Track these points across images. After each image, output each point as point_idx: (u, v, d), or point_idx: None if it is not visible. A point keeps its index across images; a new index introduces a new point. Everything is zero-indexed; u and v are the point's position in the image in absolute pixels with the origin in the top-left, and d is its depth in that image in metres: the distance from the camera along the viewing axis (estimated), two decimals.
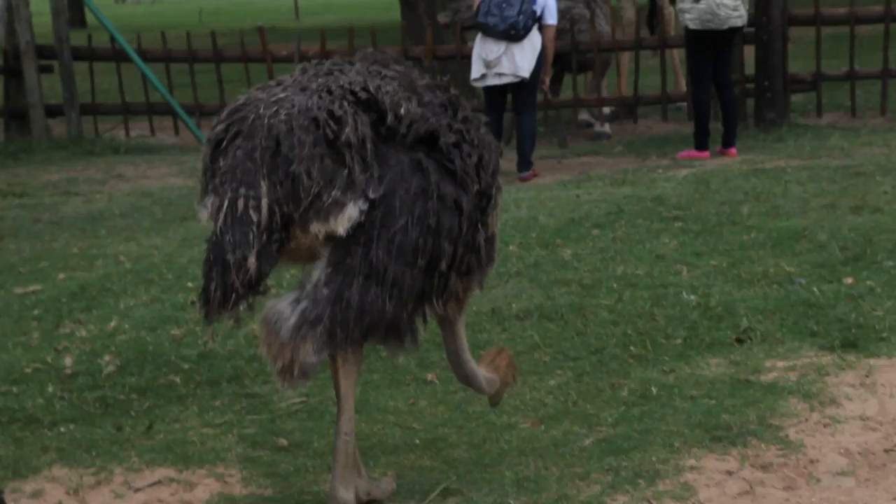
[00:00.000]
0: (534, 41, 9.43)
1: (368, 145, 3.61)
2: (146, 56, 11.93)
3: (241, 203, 3.52)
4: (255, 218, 3.51)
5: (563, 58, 11.21)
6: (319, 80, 3.73)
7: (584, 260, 6.34)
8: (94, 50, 12.12)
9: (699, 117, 9.83)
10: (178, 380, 5.08)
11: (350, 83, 3.69)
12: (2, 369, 5.21)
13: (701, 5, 9.44)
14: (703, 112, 9.78)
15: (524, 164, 9.65)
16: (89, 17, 27.53)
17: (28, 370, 5.17)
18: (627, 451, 4.21)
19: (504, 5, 9.35)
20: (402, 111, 3.69)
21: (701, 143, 9.82)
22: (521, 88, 9.55)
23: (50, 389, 4.99)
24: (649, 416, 4.50)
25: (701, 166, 9.17)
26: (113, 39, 11.89)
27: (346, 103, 3.63)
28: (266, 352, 3.66)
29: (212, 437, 4.57)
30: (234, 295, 3.51)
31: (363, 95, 3.67)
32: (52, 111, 11.98)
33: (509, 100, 9.82)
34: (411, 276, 3.69)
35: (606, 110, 11.86)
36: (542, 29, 9.51)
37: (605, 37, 11.39)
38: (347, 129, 3.58)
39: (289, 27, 23.30)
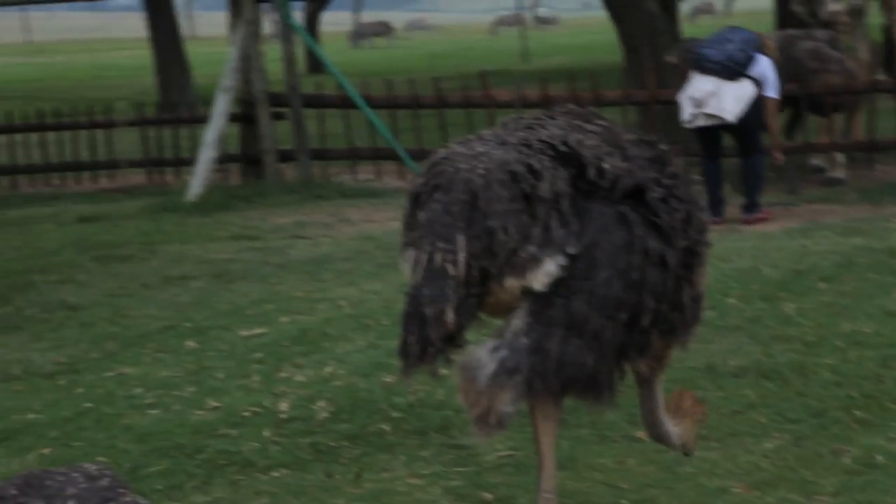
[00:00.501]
0: (745, 88, 9.12)
1: (566, 200, 3.58)
2: (372, 102, 12.23)
3: (438, 257, 3.54)
4: (452, 272, 3.53)
5: (804, 100, 10.89)
6: (519, 134, 3.73)
7: (807, 315, 6.08)
8: (324, 97, 12.52)
9: None
10: (387, 428, 5.12)
11: (550, 137, 3.68)
12: (223, 412, 5.38)
13: None
14: None
15: (749, 205, 9.44)
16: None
17: (246, 413, 5.32)
18: None
19: (723, 41, 9.17)
20: (605, 165, 3.65)
21: None
22: (741, 132, 9.34)
23: (265, 434, 5.10)
24: (873, 487, 4.25)
25: None
26: (341, 87, 12.25)
27: (544, 157, 3.62)
28: (463, 399, 3.68)
29: (418, 487, 4.58)
30: (431, 348, 3.54)
31: (563, 149, 3.64)
32: (285, 156, 12.42)
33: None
34: (612, 330, 3.63)
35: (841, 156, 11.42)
36: (762, 99, 9.24)
37: (854, 77, 10.98)
38: (545, 184, 3.56)
39: (516, 70, 23.48)
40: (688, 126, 9.44)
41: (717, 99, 9.11)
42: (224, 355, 6.27)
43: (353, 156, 12.53)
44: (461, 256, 3.52)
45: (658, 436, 4.17)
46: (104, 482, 3.30)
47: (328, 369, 5.86)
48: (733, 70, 9.07)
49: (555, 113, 3.87)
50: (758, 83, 9.16)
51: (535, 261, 3.55)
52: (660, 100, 11.45)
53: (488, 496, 4.48)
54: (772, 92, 9.28)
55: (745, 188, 9.54)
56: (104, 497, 3.17)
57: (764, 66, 9.23)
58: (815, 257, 7.27)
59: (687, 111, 9.30)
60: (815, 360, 5.44)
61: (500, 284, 3.58)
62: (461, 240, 3.53)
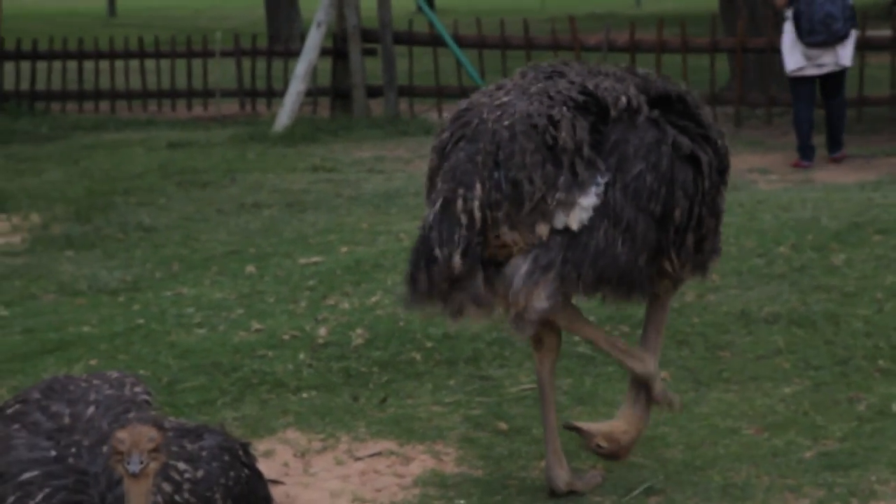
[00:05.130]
0: (852, 35, 9.33)
1: (586, 148, 3.71)
2: (462, 41, 12.28)
3: (456, 202, 3.70)
4: (464, 219, 3.69)
5: None
6: (539, 84, 3.83)
7: (854, 266, 6.03)
8: (414, 35, 12.61)
9: None
10: (418, 357, 5.27)
11: (570, 86, 3.80)
12: (265, 334, 5.58)
13: None
14: None
15: (835, 144, 9.70)
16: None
17: (286, 337, 5.51)
18: (848, 467, 4.05)
19: (829, 20, 9.12)
20: (622, 98, 3.80)
21: None
22: (841, 75, 9.51)
23: (301, 357, 5.29)
24: (881, 434, 4.29)
25: None
26: (431, 25, 12.32)
27: (565, 108, 3.75)
28: (501, 304, 3.81)
29: (438, 415, 4.73)
30: (436, 288, 3.72)
31: (581, 99, 3.78)
32: (373, 92, 12.56)
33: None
34: (645, 223, 3.76)
35: None
36: None
37: None
38: (565, 134, 3.71)
39: (624, 14, 23.24)
40: (793, 75, 9.45)
41: (832, 54, 9.27)
42: (279, 281, 6.47)
43: (440, 94, 12.62)
44: (477, 204, 3.69)
45: (647, 354, 4.15)
46: (128, 391, 3.48)
47: (374, 298, 6.02)
48: (844, 38, 9.17)
49: (571, 62, 4.04)
50: None
51: (567, 205, 3.69)
52: (747, 48, 11.30)
53: (504, 426, 4.61)
54: None
55: (831, 128, 9.68)
56: (125, 406, 3.35)
57: None
58: (877, 210, 7.16)
59: (795, 62, 9.35)
60: (849, 309, 5.42)
61: (530, 229, 3.71)
62: (480, 188, 3.69)
